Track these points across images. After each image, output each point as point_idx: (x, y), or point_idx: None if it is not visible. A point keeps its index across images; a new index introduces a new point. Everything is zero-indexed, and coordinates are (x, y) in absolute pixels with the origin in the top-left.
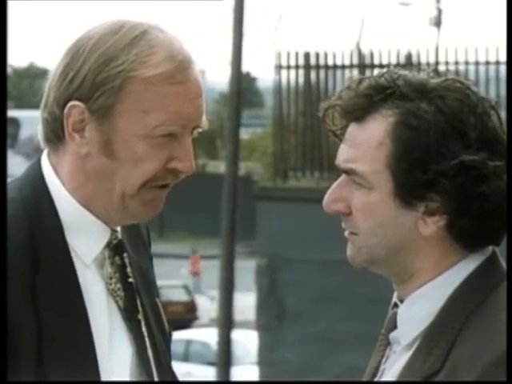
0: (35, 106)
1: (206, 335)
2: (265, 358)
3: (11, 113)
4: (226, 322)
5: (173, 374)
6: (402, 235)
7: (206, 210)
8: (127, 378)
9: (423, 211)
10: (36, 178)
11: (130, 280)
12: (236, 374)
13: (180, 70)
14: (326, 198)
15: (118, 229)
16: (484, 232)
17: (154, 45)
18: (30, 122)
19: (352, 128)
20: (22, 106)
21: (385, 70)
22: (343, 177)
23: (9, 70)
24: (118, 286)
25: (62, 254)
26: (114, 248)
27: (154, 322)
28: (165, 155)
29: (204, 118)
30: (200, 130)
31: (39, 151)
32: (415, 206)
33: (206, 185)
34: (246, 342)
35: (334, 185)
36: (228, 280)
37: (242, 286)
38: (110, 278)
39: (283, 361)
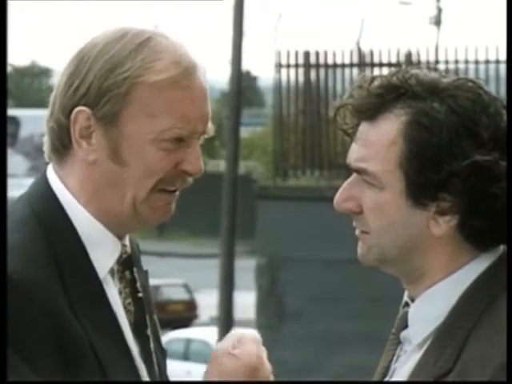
0: (35, 105)
1: (206, 334)
2: None
3: (11, 111)
4: (226, 321)
5: None
6: (414, 235)
7: (205, 208)
8: None
9: (435, 211)
10: (46, 193)
11: (140, 295)
12: None
13: (186, 75)
14: (337, 196)
15: (127, 243)
16: (495, 232)
17: (159, 51)
18: (29, 120)
19: (363, 127)
20: (22, 104)
21: (395, 69)
22: (354, 176)
23: (10, 69)
24: (128, 300)
25: (87, 269)
26: (124, 262)
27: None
28: (174, 159)
29: (210, 124)
30: (206, 136)
31: (39, 150)
32: (427, 205)
33: (206, 184)
34: None
35: (345, 184)
36: (228, 279)
37: (242, 285)
38: (120, 293)
39: (283, 360)
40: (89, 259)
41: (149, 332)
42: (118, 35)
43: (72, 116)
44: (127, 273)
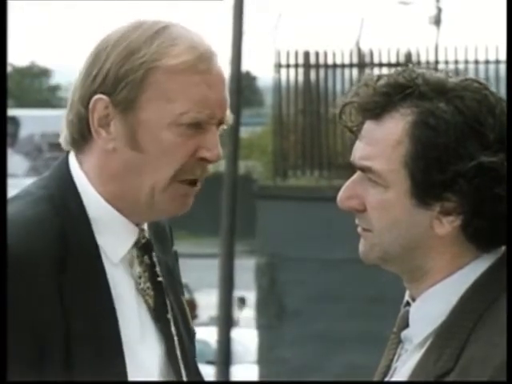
0: (35, 105)
1: (205, 334)
2: (264, 356)
3: (11, 111)
4: (226, 321)
5: (199, 373)
6: (417, 234)
7: (205, 208)
8: (156, 378)
9: (439, 211)
10: (63, 177)
11: (159, 279)
12: (236, 372)
13: (202, 60)
14: (341, 194)
15: (146, 227)
16: (498, 233)
17: (176, 37)
18: (29, 120)
19: (369, 125)
20: (22, 104)
21: (402, 68)
22: (358, 174)
23: (10, 69)
24: (148, 285)
25: (91, 253)
26: (143, 247)
27: (180, 320)
28: (192, 145)
29: (229, 112)
30: (225, 126)
31: (39, 150)
32: (431, 205)
33: (205, 183)
34: (246, 340)
35: (349, 181)
36: (228, 279)
37: (242, 285)
38: (140, 278)
39: (283, 359)
40: (95, 243)
41: (169, 316)
42: (135, 25)
43: (90, 105)
44: (146, 257)
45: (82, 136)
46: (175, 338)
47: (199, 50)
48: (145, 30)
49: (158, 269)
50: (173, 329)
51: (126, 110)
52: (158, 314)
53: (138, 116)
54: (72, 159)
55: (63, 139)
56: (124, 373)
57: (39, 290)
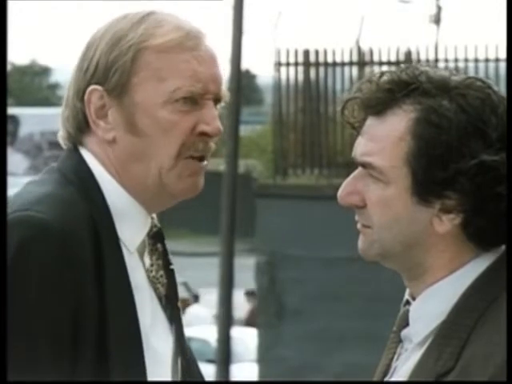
0: (35, 104)
1: (205, 332)
2: (264, 355)
3: (10, 110)
4: (226, 320)
5: (197, 364)
6: (417, 231)
7: (205, 207)
8: (168, 366)
9: (439, 208)
10: (79, 164)
11: (172, 267)
12: (236, 371)
13: (189, 37)
14: (341, 190)
15: (155, 216)
16: (498, 232)
17: (161, 19)
18: (29, 119)
19: (371, 121)
20: (22, 103)
21: (406, 65)
22: (359, 170)
23: (10, 67)
24: (161, 273)
25: (114, 240)
26: (155, 235)
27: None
28: (190, 121)
29: (224, 88)
30: (223, 103)
31: (38, 149)
32: (432, 203)
33: (205, 182)
34: (246, 339)
35: (350, 177)
36: (228, 277)
37: (242, 284)
38: (151, 265)
39: (283, 358)
40: (115, 230)
41: (179, 304)
42: (120, 16)
43: (85, 97)
44: (159, 245)
45: (80, 130)
46: (183, 327)
47: (185, 28)
48: (131, 18)
49: (170, 256)
50: (182, 317)
51: (120, 96)
52: (171, 302)
53: (133, 99)
54: (83, 148)
55: (61, 137)
56: (142, 361)
57: (82, 264)
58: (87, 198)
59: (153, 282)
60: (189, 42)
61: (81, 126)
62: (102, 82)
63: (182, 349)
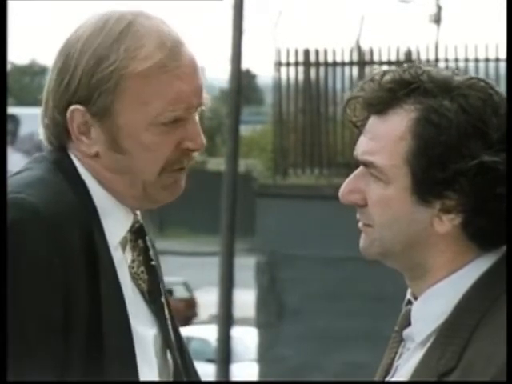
0: (35, 104)
1: (205, 332)
2: (264, 355)
3: (11, 110)
4: (226, 319)
5: (191, 359)
6: (417, 231)
7: (205, 206)
8: (153, 360)
9: (439, 208)
10: (64, 158)
11: (153, 263)
12: (235, 371)
13: (171, 56)
14: (342, 188)
15: (138, 212)
16: (499, 232)
17: (141, 36)
18: (29, 119)
19: (373, 120)
20: (22, 103)
21: (408, 64)
22: (360, 168)
23: (10, 67)
24: (142, 269)
25: (99, 231)
26: (137, 231)
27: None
28: (174, 139)
29: (205, 94)
30: (203, 107)
31: (39, 148)
32: (431, 202)
33: (205, 182)
34: (246, 339)
35: (351, 176)
36: (228, 277)
37: (242, 283)
38: (133, 261)
39: (283, 358)
40: (100, 222)
41: (163, 299)
42: (99, 25)
43: (68, 115)
44: (140, 241)
45: (59, 140)
46: (168, 322)
47: (167, 46)
48: (109, 30)
49: (151, 252)
50: (166, 312)
51: (103, 118)
52: (153, 297)
53: (116, 121)
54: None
55: (43, 139)
56: (132, 345)
57: (72, 249)
58: (73, 187)
59: (134, 277)
60: (171, 63)
61: (62, 137)
62: (84, 102)
63: (170, 342)
